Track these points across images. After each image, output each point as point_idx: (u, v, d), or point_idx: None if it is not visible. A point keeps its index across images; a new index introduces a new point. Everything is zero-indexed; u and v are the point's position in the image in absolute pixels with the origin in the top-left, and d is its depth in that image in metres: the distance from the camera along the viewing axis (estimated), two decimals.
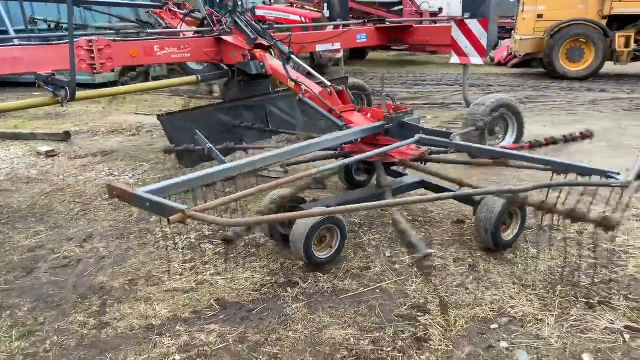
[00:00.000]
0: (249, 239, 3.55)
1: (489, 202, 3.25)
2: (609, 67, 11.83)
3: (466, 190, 2.90)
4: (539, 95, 9.60)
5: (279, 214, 3.18)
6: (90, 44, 4.16)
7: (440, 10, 16.62)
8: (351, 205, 2.51)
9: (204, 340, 2.52)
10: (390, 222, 3.83)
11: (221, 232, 3.58)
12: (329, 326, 2.61)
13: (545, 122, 7.15)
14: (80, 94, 4.21)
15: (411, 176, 4.00)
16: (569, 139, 3.53)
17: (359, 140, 3.71)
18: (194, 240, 3.62)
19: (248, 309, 2.78)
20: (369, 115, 3.85)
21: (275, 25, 6.21)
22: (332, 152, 3.90)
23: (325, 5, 8.84)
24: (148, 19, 7.56)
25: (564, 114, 7.82)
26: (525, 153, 3.21)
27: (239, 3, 4.91)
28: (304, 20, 11.71)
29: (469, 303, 2.78)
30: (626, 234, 3.44)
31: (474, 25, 5.19)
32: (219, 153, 3.46)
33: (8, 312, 2.84)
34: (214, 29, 5.01)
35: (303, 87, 4.02)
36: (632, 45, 11.10)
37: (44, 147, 6.26)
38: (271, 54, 4.51)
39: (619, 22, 11.32)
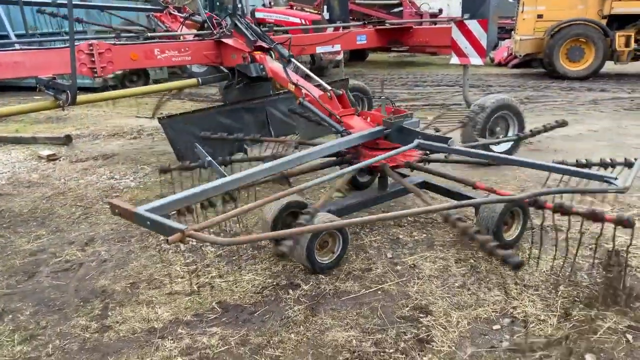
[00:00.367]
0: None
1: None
2: (609, 66, 11.84)
3: (467, 201, 2.91)
4: (539, 95, 9.60)
5: (278, 228, 3.21)
6: (91, 47, 4.16)
7: (440, 11, 16.64)
8: (355, 219, 2.52)
9: (205, 343, 2.52)
10: (392, 223, 3.84)
11: (222, 232, 3.58)
12: (331, 328, 2.61)
13: (545, 122, 7.12)
14: (81, 97, 4.21)
15: (414, 177, 4.01)
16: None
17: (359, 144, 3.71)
18: (195, 243, 3.62)
19: (250, 312, 2.78)
20: (368, 119, 3.86)
21: (275, 28, 6.20)
22: (333, 157, 3.90)
23: (325, 7, 8.85)
24: (147, 24, 7.56)
25: (565, 114, 7.82)
26: (523, 157, 3.21)
27: (239, 6, 4.92)
28: (303, 22, 11.73)
29: (471, 304, 2.78)
30: (627, 233, 3.42)
31: (473, 25, 5.19)
32: (218, 166, 3.46)
33: (10, 316, 2.84)
34: (214, 31, 5.01)
35: (303, 90, 4.02)
36: (632, 45, 11.11)
37: (45, 151, 6.27)
38: (271, 57, 4.51)
39: (618, 21, 11.33)
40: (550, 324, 2.57)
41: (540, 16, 11.79)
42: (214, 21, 5.12)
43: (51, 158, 6.08)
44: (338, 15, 7.47)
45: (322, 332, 2.58)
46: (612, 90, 9.88)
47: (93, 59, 4.17)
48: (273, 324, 2.66)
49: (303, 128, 5.17)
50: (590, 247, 3.19)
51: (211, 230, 2.46)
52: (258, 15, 12.74)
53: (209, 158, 3.45)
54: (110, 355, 2.46)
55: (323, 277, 3.11)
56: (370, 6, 15.96)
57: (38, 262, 3.49)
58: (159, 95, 6.98)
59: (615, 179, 2.54)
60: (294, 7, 13.65)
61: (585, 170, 2.76)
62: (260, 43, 4.61)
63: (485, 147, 4.50)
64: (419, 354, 2.38)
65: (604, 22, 11.26)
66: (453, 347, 2.43)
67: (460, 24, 5.33)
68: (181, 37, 5.40)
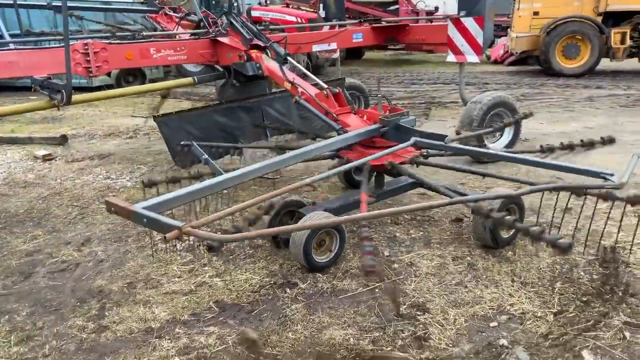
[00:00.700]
0: (247, 240, 3.54)
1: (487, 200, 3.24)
2: (605, 63, 11.86)
3: (462, 197, 2.91)
4: (535, 92, 9.61)
5: (275, 226, 3.20)
6: (86, 47, 4.14)
7: (436, 9, 16.63)
8: (349, 216, 2.49)
9: (203, 342, 2.51)
10: (389, 221, 3.84)
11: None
12: (328, 326, 2.61)
13: (541, 119, 7.15)
14: (76, 97, 4.20)
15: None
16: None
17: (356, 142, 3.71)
18: (192, 242, 3.61)
19: (247, 310, 2.78)
20: (365, 117, 3.85)
21: (271, 27, 6.19)
22: (329, 154, 3.90)
23: (321, 5, 8.83)
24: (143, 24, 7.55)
25: (561, 111, 7.84)
26: (519, 155, 3.22)
27: (234, 4, 4.90)
28: (299, 20, 11.70)
29: (468, 301, 2.78)
30: (625, 230, 3.44)
31: (469, 23, 5.19)
32: (215, 164, 3.46)
33: (6, 316, 2.83)
34: (210, 30, 4.99)
35: (299, 89, 4.02)
36: (628, 42, 11.13)
37: (41, 151, 6.25)
38: (267, 55, 4.50)
39: (614, 18, 11.34)
40: (547, 321, 2.57)
41: (536, 13, 11.80)
42: (210, 20, 5.11)
43: (47, 158, 6.05)
44: (334, 14, 7.47)
45: (320, 330, 2.58)
46: (608, 87, 9.90)
47: (88, 59, 4.15)
48: (270, 322, 2.66)
49: (299, 128, 5.16)
50: (586, 244, 3.19)
51: (208, 228, 2.46)
52: (254, 13, 12.72)
53: (206, 156, 3.45)
54: (108, 356, 2.45)
55: (320, 275, 3.11)
56: (366, 4, 15.95)
57: (34, 262, 3.47)
58: (155, 95, 6.95)
59: (612, 175, 2.55)
60: (290, 6, 13.62)
61: (582, 167, 2.77)
62: (256, 41, 4.60)
63: (480, 138, 4.51)
64: (416, 352, 2.39)
65: (599, 19, 11.28)
66: (450, 345, 2.43)
67: (457, 22, 5.33)
68: (177, 37, 5.38)
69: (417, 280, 3.03)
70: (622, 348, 2.36)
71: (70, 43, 3.89)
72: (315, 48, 5.71)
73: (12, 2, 5.47)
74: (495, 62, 14.64)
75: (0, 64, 3.85)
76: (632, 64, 11.97)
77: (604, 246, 3.20)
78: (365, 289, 2.95)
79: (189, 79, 5.06)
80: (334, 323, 2.64)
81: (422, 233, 3.66)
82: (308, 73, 4.60)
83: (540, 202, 3.12)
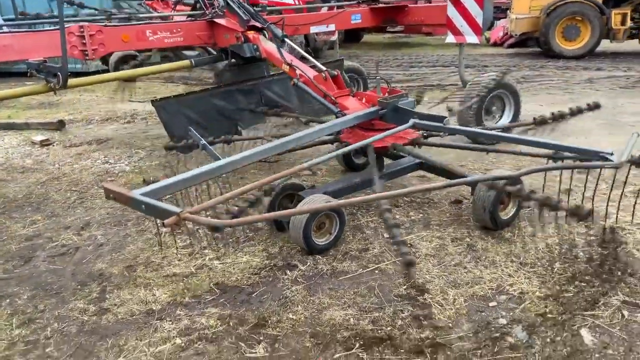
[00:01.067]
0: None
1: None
2: (605, 45, 11.76)
3: (461, 179, 2.91)
4: (535, 74, 9.55)
5: (275, 209, 3.21)
6: (82, 29, 4.10)
7: None
8: (348, 200, 2.47)
9: (204, 323, 2.53)
10: (388, 203, 3.83)
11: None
12: (328, 307, 2.62)
13: (541, 101, 7.12)
14: (72, 81, 4.16)
15: (409, 158, 3.99)
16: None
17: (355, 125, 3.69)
18: (191, 226, 3.61)
19: (248, 292, 2.79)
20: (363, 100, 3.83)
21: (268, 8, 6.12)
22: (329, 138, 3.89)
23: None
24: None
25: (561, 93, 7.80)
26: (519, 135, 3.21)
27: None
28: (297, 2, 11.57)
29: (468, 281, 2.79)
30: (624, 210, 3.44)
31: (469, 3, 5.13)
32: (213, 150, 3.44)
33: (7, 300, 2.84)
34: (206, 12, 4.94)
35: (298, 71, 3.98)
36: (629, 23, 11.02)
37: (39, 137, 6.22)
38: (265, 36, 4.46)
39: None
40: (546, 301, 2.59)
41: None
42: (206, 1, 5.04)
43: (44, 143, 6.03)
44: None
45: (320, 311, 2.59)
46: (608, 69, 9.84)
47: (84, 41, 4.11)
48: (271, 304, 2.67)
49: (298, 110, 5.13)
50: (585, 224, 3.20)
51: (207, 212, 2.46)
52: None
53: (204, 141, 3.43)
54: (109, 337, 2.47)
55: (320, 257, 3.11)
56: None
57: (34, 246, 3.48)
58: (152, 79, 6.90)
59: (611, 154, 2.54)
60: None
61: (582, 147, 2.76)
62: (253, 23, 4.55)
63: (479, 119, 4.50)
64: (416, 331, 2.40)
65: (600, 0, 11.17)
66: (450, 324, 2.45)
67: (456, 2, 5.28)
68: (173, 19, 5.33)
69: (416, 261, 3.03)
70: (620, 327, 2.38)
71: (66, 26, 3.85)
72: (314, 29, 5.66)
73: None
74: (495, 45, 14.52)
75: None
76: (632, 45, 11.88)
77: (604, 226, 3.20)
78: (365, 271, 2.96)
79: (186, 62, 5.01)
80: (334, 304, 2.65)
81: (421, 215, 3.66)
82: (306, 55, 4.56)
83: (544, 182, 3.10)
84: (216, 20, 4.76)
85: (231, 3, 4.67)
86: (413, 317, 2.50)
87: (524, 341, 2.30)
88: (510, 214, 3.36)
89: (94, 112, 7.85)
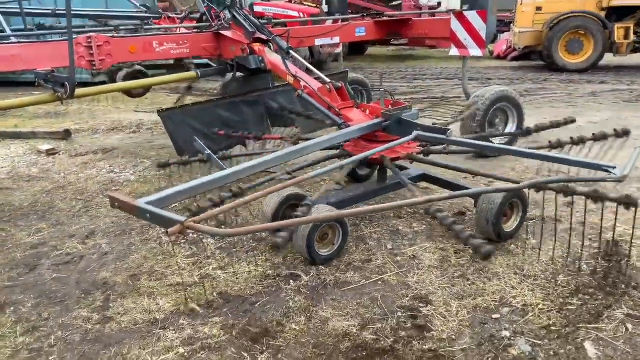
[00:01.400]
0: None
1: (490, 194, 3.25)
2: (609, 58, 11.82)
3: (465, 191, 2.92)
4: (538, 87, 9.59)
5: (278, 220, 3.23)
6: (89, 40, 4.15)
7: (439, 4, 16.56)
8: (352, 210, 2.50)
9: (207, 333, 2.53)
10: (392, 215, 3.84)
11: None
12: (331, 318, 2.62)
13: (544, 114, 7.13)
14: (79, 91, 4.21)
15: (413, 169, 4.01)
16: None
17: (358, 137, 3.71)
18: (195, 236, 3.63)
19: (251, 302, 2.79)
20: (367, 111, 3.86)
21: (274, 21, 6.19)
22: (333, 150, 3.92)
23: (324, 0, 8.82)
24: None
25: (564, 106, 7.82)
26: (522, 148, 3.22)
27: None
28: (302, 15, 11.68)
29: (471, 294, 2.79)
30: (627, 224, 3.44)
31: (472, 17, 5.17)
32: (218, 160, 3.47)
33: (12, 308, 2.85)
34: (213, 24, 5.00)
35: (302, 82, 4.02)
36: (632, 37, 11.07)
37: (45, 146, 6.27)
38: (270, 49, 4.51)
39: (618, 13, 11.29)
40: (550, 313, 2.58)
41: (539, 8, 11.74)
42: (213, 14, 5.11)
43: (51, 152, 6.07)
44: (337, 9, 7.47)
45: (323, 322, 2.59)
46: (612, 82, 9.87)
47: (92, 52, 4.16)
48: (274, 314, 2.67)
49: (302, 122, 5.17)
50: (589, 237, 3.20)
51: (211, 222, 2.48)
52: (256, 9, 12.69)
53: (209, 152, 3.46)
54: (112, 346, 2.47)
55: (323, 268, 3.12)
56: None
57: (39, 255, 3.49)
58: (158, 90, 6.95)
59: (614, 167, 2.55)
60: (293, 1, 13.60)
61: (585, 160, 2.77)
62: (259, 35, 4.60)
63: (486, 139, 4.51)
64: (419, 343, 2.40)
65: (603, 14, 11.22)
66: (453, 336, 2.44)
67: (460, 15, 5.32)
68: (180, 32, 5.39)
69: (419, 273, 3.04)
70: (624, 340, 2.37)
71: (74, 37, 3.91)
72: (318, 42, 5.71)
73: (19, 9, 5.50)
74: (498, 58, 14.59)
75: (4, 58, 3.87)
76: (635, 59, 11.93)
77: (607, 240, 3.20)
78: (368, 282, 2.96)
79: (191, 73, 5.07)
80: (337, 315, 2.65)
81: (425, 226, 3.67)
82: (311, 67, 4.60)
83: (544, 196, 3.11)
84: (222, 32, 4.82)
85: (237, 16, 4.73)
86: (416, 329, 2.50)
87: (528, 353, 2.30)
88: (514, 226, 3.37)
89: (100, 121, 7.91)
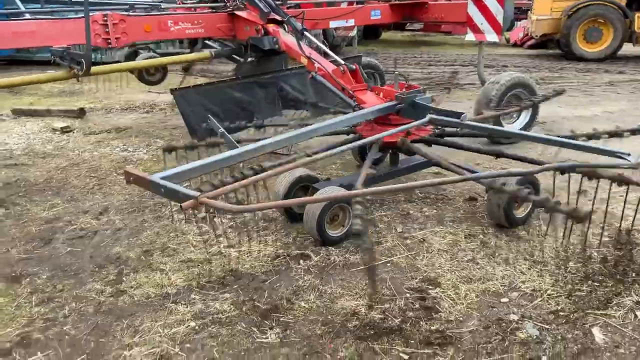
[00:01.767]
0: (261, 213, 3.58)
1: (502, 179, 3.23)
2: (628, 48, 11.60)
3: (478, 174, 2.90)
4: (554, 76, 9.46)
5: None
6: (105, 18, 4.17)
7: None
8: (362, 190, 2.51)
9: (218, 308, 2.57)
10: (402, 199, 3.85)
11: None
12: (340, 297, 2.65)
13: (560, 102, 7.04)
14: (95, 68, 4.24)
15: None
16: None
17: (371, 119, 3.70)
18: (206, 214, 3.66)
19: (261, 280, 2.83)
20: (381, 94, 3.84)
21: (289, 2, 6.15)
22: (345, 133, 3.91)
23: None
24: None
25: (580, 95, 7.71)
26: (536, 134, 3.20)
27: None
28: None
29: (480, 277, 2.80)
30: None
31: (490, 1, 5.10)
32: (231, 138, 3.48)
33: (27, 279, 2.92)
34: (228, 4, 4.99)
35: (316, 64, 4.01)
36: None
37: (59, 123, 6.33)
38: (285, 30, 4.49)
39: (638, 2, 11.05)
40: (558, 299, 2.59)
41: None
42: None
43: (65, 130, 6.14)
44: None
45: (332, 300, 2.62)
46: (630, 72, 9.70)
47: (107, 30, 4.18)
48: (284, 291, 2.71)
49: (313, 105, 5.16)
50: (600, 224, 3.18)
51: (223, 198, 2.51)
52: None
53: (222, 129, 3.47)
54: (125, 318, 2.52)
55: (333, 249, 3.14)
56: None
57: (54, 229, 3.55)
58: (170, 70, 6.95)
59: (629, 155, 2.53)
60: None
61: (599, 147, 2.74)
62: (273, 16, 4.58)
63: (497, 122, 4.48)
64: (426, 323, 2.42)
65: (623, 2, 10.99)
66: (460, 318, 2.46)
67: (477, 0, 5.25)
68: (195, 10, 5.38)
69: (429, 256, 3.05)
70: (632, 327, 2.37)
71: (90, 14, 3.92)
72: (333, 24, 5.68)
73: None
74: (515, 45, 14.40)
75: (20, 34, 3.90)
76: None
77: (619, 228, 3.18)
78: (377, 263, 2.98)
79: (205, 53, 5.06)
80: (345, 294, 2.68)
81: (435, 211, 3.67)
82: (325, 49, 4.58)
83: (553, 182, 3.08)
84: (237, 12, 4.81)
85: None
86: (424, 310, 2.52)
87: (535, 337, 2.31)
88: (525, 212, 3.35)
89: (113, 101, 7.96)
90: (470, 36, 5.44)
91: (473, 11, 5.30)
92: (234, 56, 5.31)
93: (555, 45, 12.50)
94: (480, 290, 2.68)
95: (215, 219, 3.55)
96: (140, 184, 2.49)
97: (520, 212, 3.34)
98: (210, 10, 5.14)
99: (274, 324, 2.45)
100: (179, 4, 6.97)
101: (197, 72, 10.04)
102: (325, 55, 4.36)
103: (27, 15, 4.61)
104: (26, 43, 3.97)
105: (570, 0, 11.22)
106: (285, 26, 4.53)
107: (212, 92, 4.75)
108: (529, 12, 13.11)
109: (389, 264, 2.98)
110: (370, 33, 16.25)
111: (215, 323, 2.46)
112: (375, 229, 3.40)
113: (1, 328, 2.47)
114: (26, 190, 4.30)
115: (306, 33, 4.35)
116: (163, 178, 2.43)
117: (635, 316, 2.44)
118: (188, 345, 2.32)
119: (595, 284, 2.70)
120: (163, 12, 4.95)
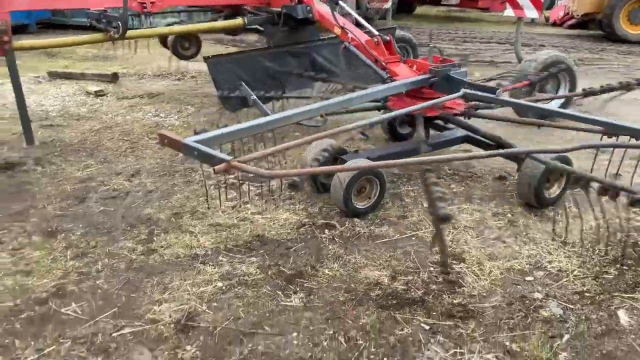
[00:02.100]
0: (288, 184, 3.61)
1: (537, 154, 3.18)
2: None
3: (508, 150, 2.85)
4: (594, 57, 9.14)
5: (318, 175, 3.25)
6: None
7: None
8: (388, 161, 2.52)
9: (244, 270, 2.64)
10: None
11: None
12: (364, 267, 2.68)
13: (597, 84, 6.82)
14: (131, 32, 4.29)
15: (455, 130, 3.95)
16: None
17: (403, 92, 3.66)
18: (235, 181, 3.72)
19: (287, 246, 2.88)
20: (414, 67, 3.79)
21: None
22: (376, 104, 3.88)
23: None
24: None
25: (621, 78, 7.43)
26: (574, 112, 3.11)
27: None
28: None
29: (505, 255, 2.79)
30: None
31: None
32: (262, 105, 3.50)
33: (62, 235, 3.03)
34: None
35: (350, 34, 3.97)
36: None
37: (93, 87, 6.45)
38: None
39: None
40: (584, 280, 2.56)
41: None
42: None
43: (99, 94, 6.25)
44: None
45: (356, 270, 2.66)
46: None
47: None
48: (309, 259, 2.75)
49: (346, 76, 5.11)
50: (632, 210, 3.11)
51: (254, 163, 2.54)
52: None
53: (254, 97, 3.50)
54: (155, 275, 2.61)
55: (358, 220, 3.16)
56: None
57: (87, 189, 3.66)
58: (202, 39, 6.95)
59: None
60: None
61: (636, 127, 2.66)
62: None
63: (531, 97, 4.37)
64: (449, 296, 2.43)
65: None
66: (484, 293, 2.46)
67: None
68: None
69: (455, 232, 3.04)
70: None
71: None
72: None
73: None
74: (554, 25, 13.91)
75: None
76: None
77: None
78: (402, 237, 2.99)
79: (237, 20, 5.04)
80: (369, 264, 2.71)
81: (463, 188, 3.64)
82: (359, 19, 4.52)
83: (594, 160, 2.98)
84: None
85: None
86: (447, 283, 2.53)
87: (559, 316, 2.30)
88: (556, 193, 3.30)
89: (146, 67, 8.05)
90: (509, 12, 5.29)
91: None
92: (266, 25, 5.28)
93: (596, 26, 12.03)
94: (505, 268, 2.68)
95: (242, 186, 3.60)
96: (173, 147, 2.54)
97: (551, 193, 3.29)
98: None
99: (298, 289, 2.50)
100: None
101: (228, 42, 10.06)
102: (359, 25, 4.31)
103: None
104: (64, 4, 4.03)
105: None
106: None
107: (244, 61, 4.76)
108: None
109: (413, 238, 2.99)
110: (404, 7, 15.88)
111: (241, 284, 2.52)
112: (402, 202, 3.41)
113: (38, 279, 2.59)
114: (61, 150, 4.42)
115: (340, 2, 4.30)
116: (196, 141, 2.47)
117: None
118: (215, 304, 2.39)
119: (624, 267, 2.66)
120: None
